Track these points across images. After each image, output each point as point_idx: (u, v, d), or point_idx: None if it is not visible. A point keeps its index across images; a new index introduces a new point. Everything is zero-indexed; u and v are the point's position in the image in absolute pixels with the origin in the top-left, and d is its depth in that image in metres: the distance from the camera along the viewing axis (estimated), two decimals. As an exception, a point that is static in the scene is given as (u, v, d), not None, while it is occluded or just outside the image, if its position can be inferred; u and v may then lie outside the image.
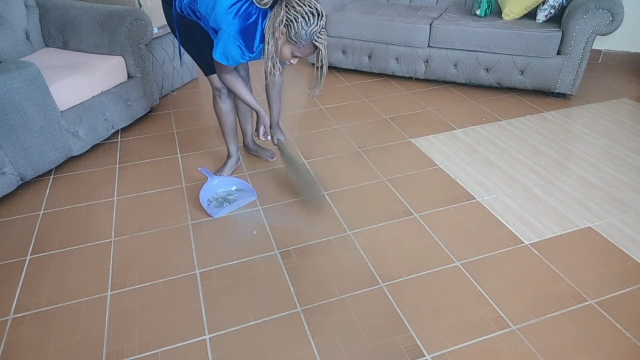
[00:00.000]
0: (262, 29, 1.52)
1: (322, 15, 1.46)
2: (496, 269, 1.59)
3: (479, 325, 1.38)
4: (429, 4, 3.35)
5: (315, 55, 1.56)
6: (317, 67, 1.59)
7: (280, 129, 2.04)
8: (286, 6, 1.43)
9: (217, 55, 1.58)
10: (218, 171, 2.11)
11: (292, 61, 1.56)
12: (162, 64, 2.88)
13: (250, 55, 1.60)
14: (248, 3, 1.49)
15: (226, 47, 1.54)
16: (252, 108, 1.85)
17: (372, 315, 1.42)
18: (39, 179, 2.13)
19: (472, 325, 1.38)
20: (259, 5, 1.47)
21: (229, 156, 2.14)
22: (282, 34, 1.46)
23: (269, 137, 1.95)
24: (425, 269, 1.59)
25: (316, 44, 1.47)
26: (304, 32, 1.44)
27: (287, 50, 1.50)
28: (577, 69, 2.67)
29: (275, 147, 2.07)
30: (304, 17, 1.42)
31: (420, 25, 2.89)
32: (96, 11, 2.42)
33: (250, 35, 1.53)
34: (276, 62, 1.53)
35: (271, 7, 1.48)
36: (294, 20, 1.42)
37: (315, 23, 1.43)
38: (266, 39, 1.50)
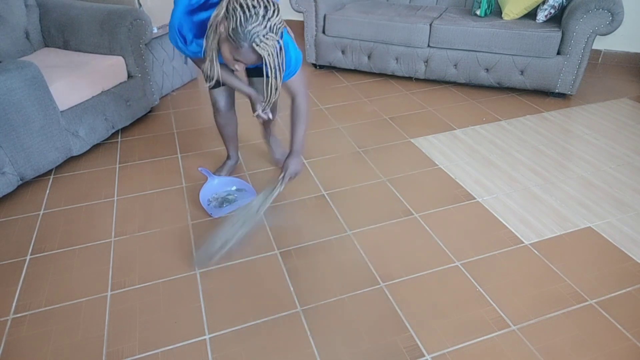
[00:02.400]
0: (202, 21, 1.30)
1: (273, 15, 1.16)
2: (496, 269, 1.59)
3: (479, 325, 1.38)
4: (429, 4, 3.35)
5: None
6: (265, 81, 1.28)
7: (298, 159, 1.65)
8: None
9: (170, 37, 1.41)
10: (217, 171, 2.11)
11: (236, 66, 1.26)
12: (162, 64, 2.88)
13: (184, 46, 1.39)
14: None
15: (171, 33, 1.39)
16: (242, 93, 1.66)
17: (372, 315, 1.42)
18: (39, 179, 2.13)
19: (472, 325, 1.38)
20: None
21: (228, 157, 2.14)
22: (225, 28, 1.19)
23: (269, 116, 1.68)
24: (425, 269, 1.59)
25: (257, 49, 1.17)
26: (240, 30, 1.14)
27: (225, 50, 1.22)
28: (577, 69, 2.67)
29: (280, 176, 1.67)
30: (244, 12, 1.13)
31: (420, 25, 2.89)
32: (96, 11, 2.42)
33: (189, 25, 1.33)
34: (214, 62, 1.28)
35: None
36: (232, 12, 1.14)
37: (258, 22, 1.14)
38: (207, 32, 1.23)
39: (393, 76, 3.25)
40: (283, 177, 1.63)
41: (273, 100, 1.34)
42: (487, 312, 1.42)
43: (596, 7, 2.48)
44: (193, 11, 1.32)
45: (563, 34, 2.62)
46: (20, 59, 2.21)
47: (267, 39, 1.16)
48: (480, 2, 2.93)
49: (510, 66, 2.79)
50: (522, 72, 2.79)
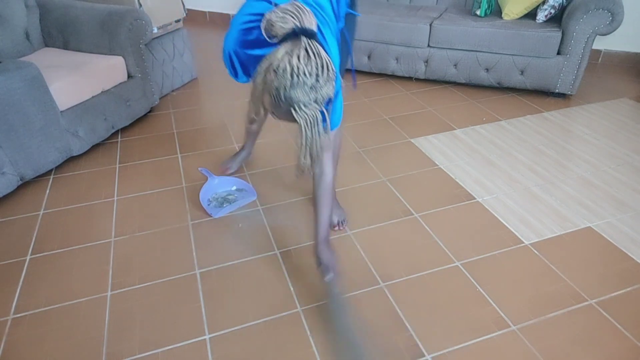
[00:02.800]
0: (254, 57, 1.18)
1: (324, 85, 1.03)
2: (496, 269, 1.59)
3: (479, 325, 1.38)
4: (429, 4, 3.35)
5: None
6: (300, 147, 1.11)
7: (325, 248, 1.42)
8: (292, 49, 1.02)
9: (224, 60, 1.34)
10: (229, 160, 2.11)
11: (274, 116, 1.16)
12: (162, 64, 2.88)
13: (234, 77, 1.36)
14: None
15: (224, 57, 1.31)
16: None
17: (372, 315, 1.42)
18: (39, 179, 2.13)
19: (472, 325, 1.38)
20: (268, 40, 1.11)
21: (243, 148, 2.14)
22: (271, 81, 1.05)
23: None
24: (425, 269, 1.59)
25: (294, 115, 1.04)
26: (283, 92, 1.02)
27: (267, 101, 1.10)
28: (577, 69, 2.67)
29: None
30: (292, 77, 1.01)
31: (420, 25, 2.89)
32: (96, 11, 2.42)
33: (239, 58, 1.26)
34: (259, 108, 1.14)
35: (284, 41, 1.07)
36: (281, 72, 1.01)
37: (303, 91, 1.02)
38: (255, 75, 1.11)
39: (393, 76, 3.25)
40: (323, 274, 1.44)
41: (305, 166, 1.15)
42: (487, 312, 1.42)
43: (596, 7, 2.48)
44: (246, 45, 1.23)
45: (563, 34, 2.62)
46: (20, 59, 2.21)
47: (306, 108, 1.04)
48: (480, 2, 2.93)
49: (510, 66, 2.79)
50: (522, 72, 2.79)
